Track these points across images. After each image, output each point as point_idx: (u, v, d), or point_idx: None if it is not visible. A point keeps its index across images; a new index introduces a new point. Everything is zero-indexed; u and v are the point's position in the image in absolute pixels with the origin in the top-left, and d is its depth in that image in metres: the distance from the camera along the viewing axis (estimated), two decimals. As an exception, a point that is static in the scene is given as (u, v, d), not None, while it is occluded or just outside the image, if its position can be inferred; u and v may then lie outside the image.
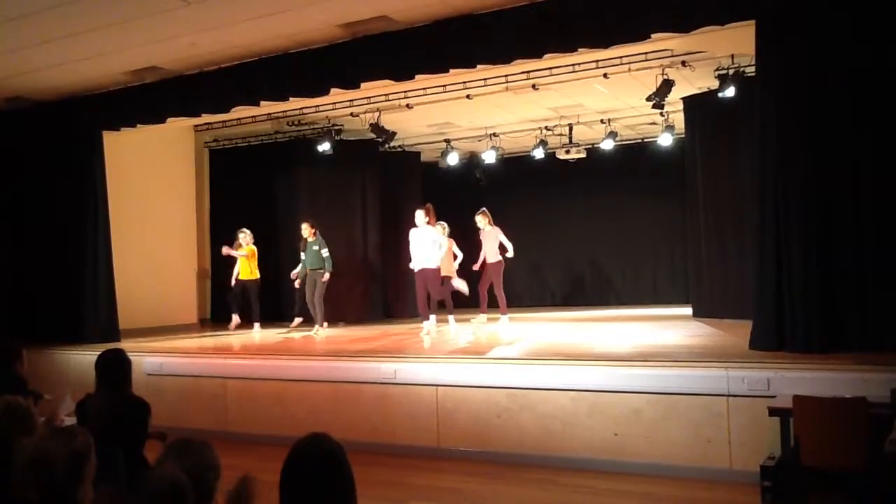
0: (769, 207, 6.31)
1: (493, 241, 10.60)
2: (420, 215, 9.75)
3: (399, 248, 13.11)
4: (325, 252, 10.46)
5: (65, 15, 7.08)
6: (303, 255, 10.56)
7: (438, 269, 9.85)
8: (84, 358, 8.62)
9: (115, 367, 4.27)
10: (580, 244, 14.94)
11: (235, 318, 11.01)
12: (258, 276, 11.09)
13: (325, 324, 10.73)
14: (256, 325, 11.08)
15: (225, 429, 7.59)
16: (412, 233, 9.87)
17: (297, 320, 10.88)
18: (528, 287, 15.44)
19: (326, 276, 10.44)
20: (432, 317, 9.90)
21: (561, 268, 15.29)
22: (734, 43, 7.79)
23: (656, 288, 14.52)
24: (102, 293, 9.88)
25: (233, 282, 11.10)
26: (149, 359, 8.30)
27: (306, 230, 10.54)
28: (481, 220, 10.72)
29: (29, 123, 10.23)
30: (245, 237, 11.04)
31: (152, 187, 11.96)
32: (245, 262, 10.98)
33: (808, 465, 4.50)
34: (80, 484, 2.41)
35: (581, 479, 5.88)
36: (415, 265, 9.80)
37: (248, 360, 8.16)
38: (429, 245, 9.66)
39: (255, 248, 11.08)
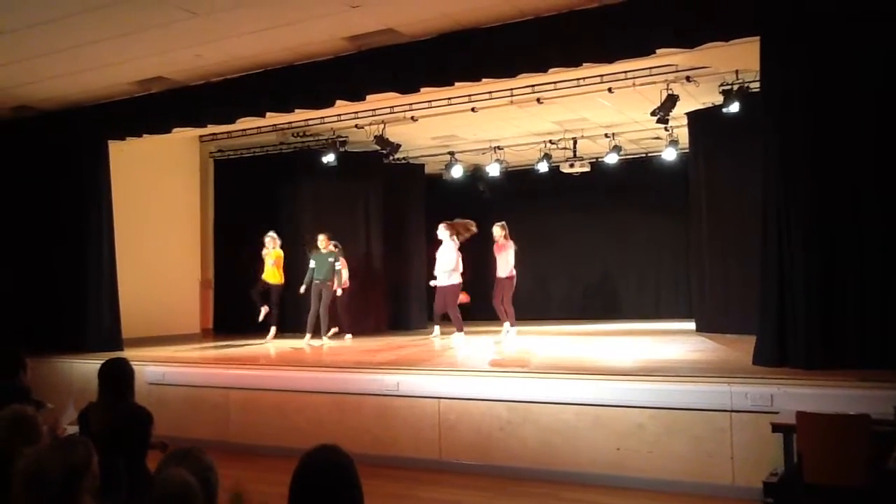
0: (772, 223, 6.31)
1: (506, 255, 10.59)
2: (441, 230, 9.77)
3: (402, 260, 13.15)
4: (338, 265, 10.56)
5: (72, 26, 7.13)
6: (312, 264, 10.59)
7: (454, 286, 9.80)
8: (87, 366, 8.61)
9: (117, 377, 4.27)
10: (583, 258, 14.94)
11: (264, 309, 10.94)
12: (282, 280, 11.01)
13: (331, 332, 10.78)
14: (273, 329, 11.01)
15: (227, 439, 7.58)
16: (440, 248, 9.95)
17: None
18: (531, 300, 15.38)
19: (336, 288, 10.52)
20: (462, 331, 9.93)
21: (564, 281, 15.27)
22: (738, 58, 7.81)
23: (659, 302, 14.51)
24: (106, 302, 9.90)
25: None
26: (151, 368, 8.30)
27: (322, 242, 10.58)
28: (498, 232, 10.60)
29: (35, 133, 10.27)
30: (272, 241, 10.98)
31: (157, 197, 11.99)
32: (271, 267, 10.93)
33: (810, 481, 4.48)
34: (78, 497, 2.40)
35: (583, 494, 5.86)
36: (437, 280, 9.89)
37: (251, 370, 8.15)
38: (449, 260, 9.70)
39: (281, 252, 11.02)
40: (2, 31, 7.24)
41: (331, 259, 10.53)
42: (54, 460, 2.38)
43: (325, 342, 10.43)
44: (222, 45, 7.83)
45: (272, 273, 10.94)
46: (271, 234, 11.00)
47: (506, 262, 10.46)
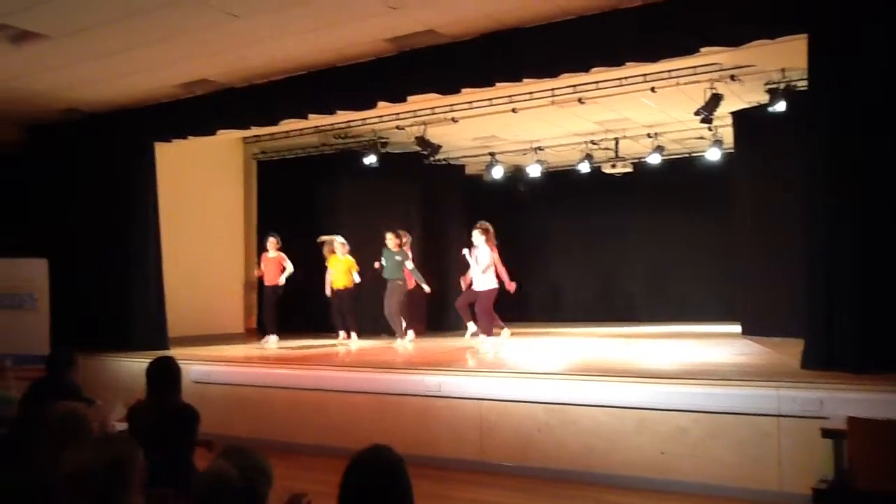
0: (821, 225, 6.18)
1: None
2: (476, 234, 9.49)
3: (442, 260, 13.14)
4: (409, 264, 10.45)
5: (121, 29, 7.27)
6: (384, 263, 10.56)
7: (492, 290, 9.44)
8: (133, 364, 8.77)
9: (165, 375, 4.34)
10: (625, 259, 14.81)
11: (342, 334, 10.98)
12: (352, 284, 10.93)
13: (410, 333, 10.72)
14: (353, 335, 10.98)
15: (269, 437, 7.63)
16: (472, 252, 9.61)
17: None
18: (571, 302, 15.35)
19: (405, 286, 10.41)
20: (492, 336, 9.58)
21: (606, 283, 15.14)
22: (785, 56, 7.68)
23: (703, 304, 14.29)
24: (152, 301, 10.07)
25: (328, 291, 11.00)
26: (196, 367, 8.41)
27: (390, 240, 10.51)
28: (478, 237, 9.81)
29: (84, 135, 10.49)
30: (341, 246, 10.93)
31: (201, 198, 12.17)
32: (342, 271, 10.91)
33: (861, 488, 4.38)
34: (126, 491, 2.44)
35: (625, 497, 5.82)
36: (475, 286, 9.54)
37: (292, 370, 8.22)
38: (484, 264, 9.38)
39: (350, 258, 10.96)
40: (52, 36, 7.41)
41: (398, 258, 10.45)
42: (97, 458, 2.41)
43: (404, 343, 10.43)
44: (265, 47, 7.92)
45: (342, 278, 10.89)
46: (339, 239, 10.97)
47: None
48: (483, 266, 9.38)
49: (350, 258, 10.93)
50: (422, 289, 10.79)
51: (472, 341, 9.67)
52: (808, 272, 6.35)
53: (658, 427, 6.02)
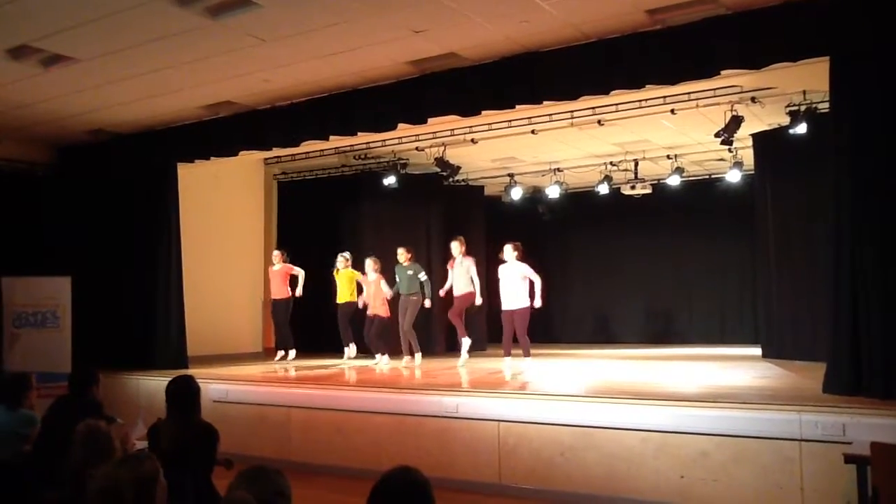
0: (845, 248, 6.13)
1: (463, 272, 10.09)
2: (508, 250, 9.47)
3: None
4: (422, 276, 10.34)
5: (145, 53, 7.38)
6: (398, 279, 10.51)
7: (528, 308, 9.37)
8: (153, 383, 8.84)
9: (185, 394, 4.37)
10: (645, 281, 14.72)
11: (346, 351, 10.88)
12: (352, 299, 10.85)
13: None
14: (353, 347, 10.92)
15: (288, 458, 7.64)
16: (501, 269, 9.58)
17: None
18: (591, 324, 15.28)
19: (427, 302, 10.35)
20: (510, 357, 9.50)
21: (625, 305, 15.06)
22: (806, 79, 7.65)
23: (724, 327, 14.20)
24: (173, 321, 10.15)
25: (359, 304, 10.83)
26: (215, 386, 8.44)
27: (402, 255, 10.41)
28: (456, 248, 10.18)
29: (108, 155, 10.64)
30: (344, 261, 10.87)
31: (222, 218, 12.27)
32: (345, 286, 10.85)
33: (886, 515, 4.30)
34: None
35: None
36: (505, 304, 9.44)
37: (311, 389, 8.24)
38: (518, 282, 9.35)
39: (354, 272, 10.90)
40: (81, 59, 7.54)
41: (410, 272, 10.34)
42: (126, 475, 2.44)
43: (417, 360, 10.37)
44: (289, 70, 8.01)
45: (342, 293, 10.85)
46: (344, 254, 10.93)
47: (464, 279, 10.04)
48: (516, 283, 9.33)
49: (350, 271, 10.82)
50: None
51: (511, 362, 9.46)
52: (832, 295, 6.29)
53: (679, 451, 5.97)
